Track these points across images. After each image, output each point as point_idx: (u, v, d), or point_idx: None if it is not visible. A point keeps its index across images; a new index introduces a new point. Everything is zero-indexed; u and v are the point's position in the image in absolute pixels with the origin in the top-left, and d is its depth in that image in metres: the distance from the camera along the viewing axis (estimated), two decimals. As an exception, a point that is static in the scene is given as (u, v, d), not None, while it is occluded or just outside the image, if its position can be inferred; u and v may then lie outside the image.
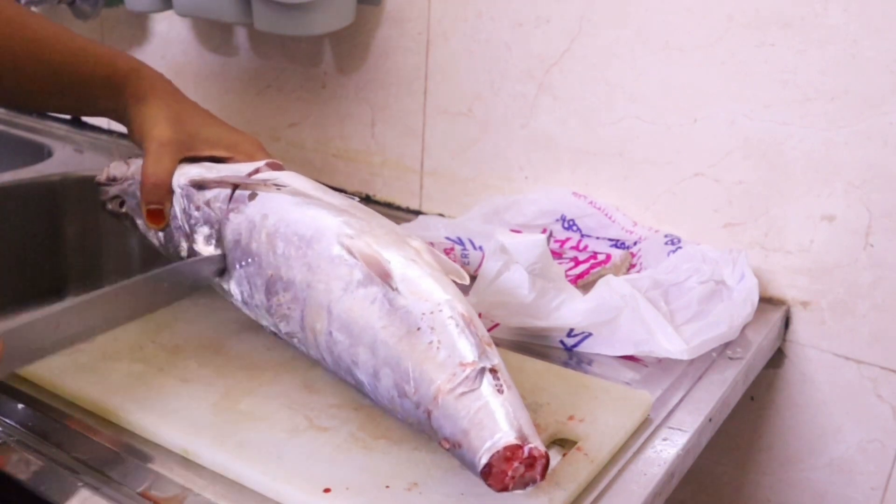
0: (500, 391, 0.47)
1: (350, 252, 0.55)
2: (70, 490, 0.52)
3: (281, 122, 1.13)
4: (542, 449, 0.46)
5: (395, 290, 0.53)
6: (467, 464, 0.47)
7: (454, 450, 0.47)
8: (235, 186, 0.65)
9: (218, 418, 0.57)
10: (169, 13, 1.10)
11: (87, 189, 1.05)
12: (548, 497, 0.50)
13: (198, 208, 0.66)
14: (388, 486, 0.50)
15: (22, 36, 0.70)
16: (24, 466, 0.55)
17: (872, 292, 0.78)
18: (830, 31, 0.74)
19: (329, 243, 0.57)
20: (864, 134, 0.75)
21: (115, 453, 0.55)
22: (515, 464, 0.45)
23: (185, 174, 0.68)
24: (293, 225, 0.59)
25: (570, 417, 0.58)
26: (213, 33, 1.16)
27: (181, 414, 0.57)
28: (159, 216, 0.68)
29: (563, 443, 0.57)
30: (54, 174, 1.09)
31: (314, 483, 0.50)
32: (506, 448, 0.45)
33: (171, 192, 0.68)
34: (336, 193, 0.65)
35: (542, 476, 0.46)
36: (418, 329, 0.51)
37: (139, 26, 1.23)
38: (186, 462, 0.54)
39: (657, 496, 0.55)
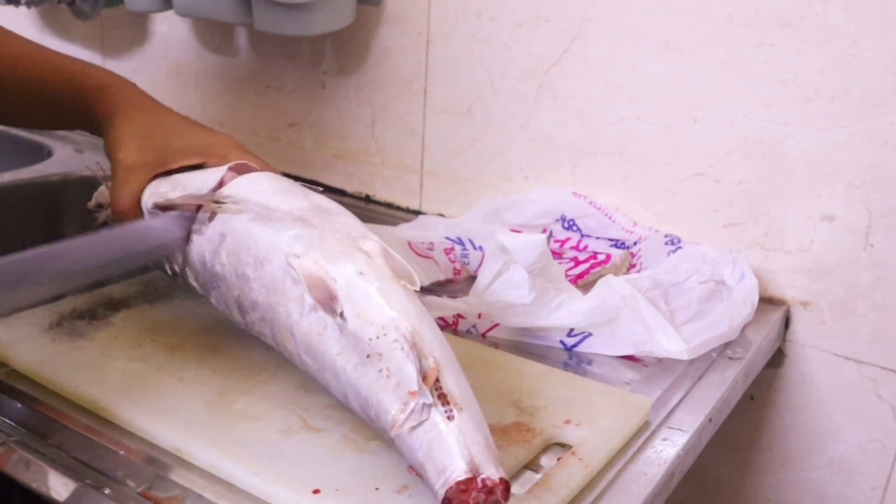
0: (451, 417, 0.47)
1: (297, 273, 0.54)
2: (70, 490, 0.52)
3: (281, 122, 1.13)
4: (497, 476, 0.45)
5: (340, 316, 0.52)
6: (432, 494, 0.47)
7: (420, 477, 0.48)
8: (198, 207, 0.64)
9: (212, 417, 0.57)
10: (169, 13, 1.10)
11: (87, 189, 1.06)
12: (539, 501, 0.49)
13: None
14: (377, 489, 0.50)
15: None
16: (23, 466, 0.55)
17: (872, 292, 0.78)
18: (830, 31, 0.74)
19: (279, 264, 0.56)
20: (864, 134, 0.75)
21: (116, 453, 0.55)
22: (473, 494, 0.45)
23: (153, 194, 0.67)
24: (247, 246, 0.59)
25: (567, 421, 0.58)
26: (213, 33, 1.16)
27: (175, 412, 0.57)
28: None
29: (559, 447, 0.57)
30: (54, 174, 1.10)
31: (304, 484, 0.50)
32: (458, 484, 0.45)
33: (140, 215, 0.67)
34: (301, 191, 0.63)
35: (505, 498, 0.45)
36: (367, 356, 0.50)
37: (139, 26, 1.23)
38: (187, 462, 0.54)
39: (657, 496, 0.55)
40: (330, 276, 0.53)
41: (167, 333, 0.68)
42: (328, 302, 0.52)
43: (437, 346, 0.50)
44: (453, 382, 0.49)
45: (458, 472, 0.45)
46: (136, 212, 0.67)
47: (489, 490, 0.45)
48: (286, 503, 0.49)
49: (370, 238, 0.57)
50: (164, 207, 0.65)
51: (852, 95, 0.75)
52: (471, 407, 0.48)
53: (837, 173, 0.77)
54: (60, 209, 1.07)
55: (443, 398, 0.47)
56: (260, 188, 0.64)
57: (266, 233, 0.58)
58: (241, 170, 0.66)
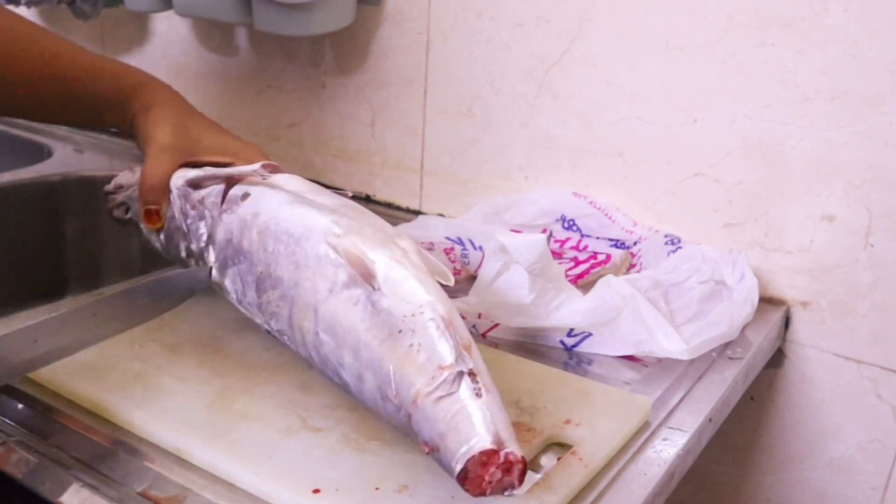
0: (479, 395, 0.47)
1: (336, 251, 0.56)
2: (70, 490, 0.52)
3: (281, 122, 1.13)
4: (519, 454, 0.45)
5: (377, 290, 0.53)
6: (445, 468, 0.46)
7: (433, 454, 0.47)
8: (229, 185, 0.65)
9: (212, 417, 0.57)
10: (169, 13, 1.10)
11: (87, 189, 1.06)
12: (539, 501, 0.49)
13: (193, 207, 0.67)
14: (377, 488, 0.50)
15: (34, 51, 0.72)
16: (23, 466, 0.55)
17: (872, 292, 0.78)
18: (830, 31, 0.74)
19: (317, 242, 0.57)
20: (864, 134, 0.75)
21: (115, 453, 0.55)
22: (492, 469, 0.45)
23: (182, 176, 0.69)
24: (283, 223, 0.60)
25: (567, 421, 0.58)
26: (213, 33, 1.16)
27: (175, 413, 0.57)
28: (156, 216, 0.70)
29: (559, 447, 0.57)
30: (54, 174, 1.09)
31: (304, 483, 0.50)
32: (481, 453, 0.44)
33: (167, 193, 0.69)
34: (330, 193, 0.65)
35: (520, 481, 0.45)
36: (399, 332, 0.50)
37: (139, 26, 1.23)
38: (186, 462, 0.54)
39: (657, 496, 0.55)
40: (368, 257, 0.55)
41: (167, 333, 0.68)
42: (366, 277, 0.53)
43: (468, 336, 0.51)
44: (481, 364, 0.49)
45: (484, 442, 0.45)
46: (165, 191, 0.69)
47: (508, 467, 0.45)
48: (286, 503, 0.49)
49: (404, 237, 0.58)
50: (195, 183, 0.67)
51: (852, 95, 0.75)
52: (495, 393, 0.48)
53: (837, 173, 0.77)
54: (60, 209, 1.07)
55: (472, 376, 0.48)
56: (293, 182, 0.66)
57: (305, 212, 0.60)
58: (273, 170, 0.68)
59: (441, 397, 0.47)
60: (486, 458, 0.44)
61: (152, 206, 0.69)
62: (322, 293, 0.55)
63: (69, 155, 1.19)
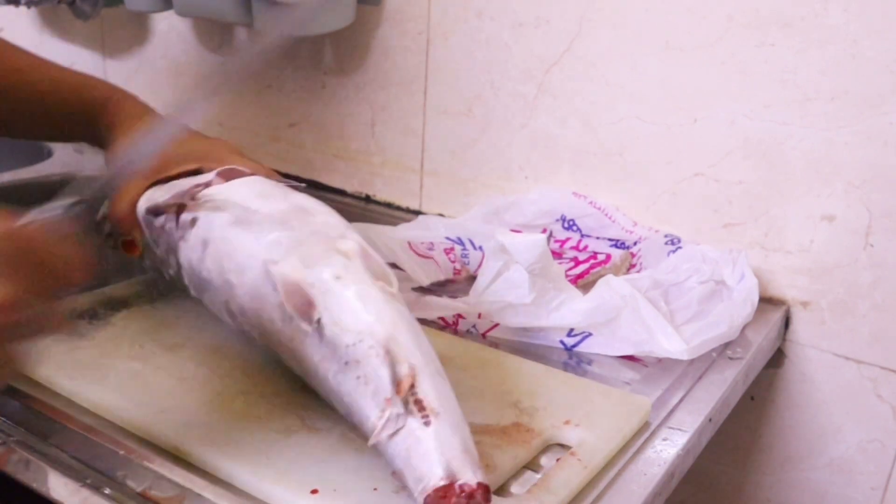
0: (427, 424, 0.46)
1: (275, 285, 0.54)
2: (70, 490, 0.52)
3: (281, 122, 1.13)
4: (473, 482, 0.45)
5: (318, 323, 0.52)
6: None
7: (402, 484, 0.48)
8: (179, 211, 0.64)
9: (211, 417, 0.57)
10: (169, 13, 1.10)
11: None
12: (538, 502, 0.49)
13: (158, 235, 0.66)
14: (375, 489, 0.49)
15: (3, 66, 0.72)
16: (23, 466, 0.55)
17: (872, 292, 0.78)
18: (830, 31, 0.74)
19: (258, 273, 0.57)
20: (864, 134, 0.75)
21: (115, 453, 0.55)
22: (453, 500, 0.44)
23: (147, 200, 0.67)
24: (228, 254, 0.59)
25: (567, 422, 0.58)
26: (213, 33, 1.16)
27: (174, 412, 0.57)
28: (131, 246, 0.70)
29: (559, 447, 0.57)
30: (54, 174, 1.09)
31: (302, 484, 0.50)
32: (435, 490, 0.44)
33: (135, 223, 0.67)
34: (280, 192, 0.64)
35: (486, 500, 0.45)
36: (346, 363, 0.51)
37: (139, 26, 1.23)
38: (186, 462, 0.54)
39: (657, 496, 0.55)
40: (307, 281, 0.54)
41: (167, 333, 0.68)
42: (305, 309, 0.53)
43: (415, 350, 0.50)
44: (430, 386, 0.48)
45: (435, 480, 0.45)
46: (132, 219, 0.67)
47: (468, 495, 0.44)
48: (284, 503, 0.49)
49: (348, 238, 0.57)
50: (153, 212, 0.65)
51: (852, 95, 0.75)
52: (449, 411, 0.48)
53: (837, 173, 0.77)
54: (60, 209, 1.07)
55: (419, 404, 0.47)
56: (242, 192, 0.64)
57: (245, 239, 0.59)
58: (229, 175, 0.66)
59: (391, 435, 0.47)
60: (441, 493, 0.45)
61: (125, 237, 0.69)
62: (277, 323, 0.55)
63: (69, 155, 1.19)
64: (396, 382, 0.48)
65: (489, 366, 0.65)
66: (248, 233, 0.59)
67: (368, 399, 0.48)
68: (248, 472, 0.51)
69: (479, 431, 0.56)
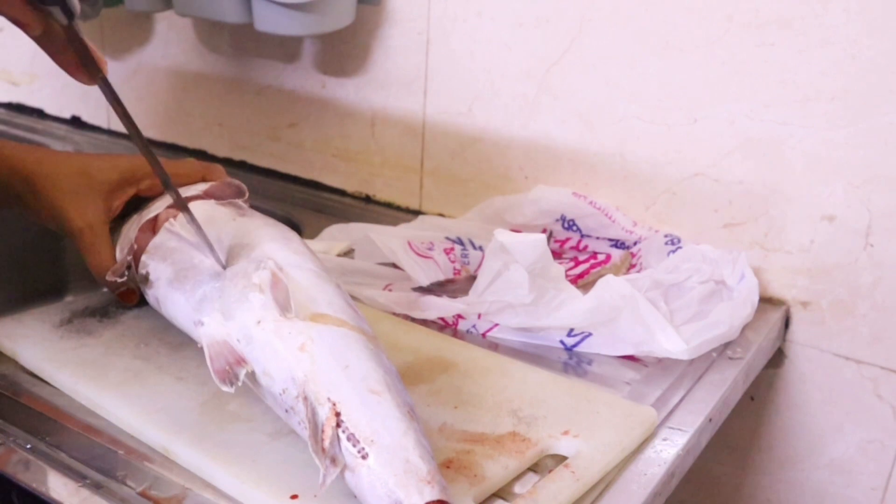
0: (364, 456, 0.46)
1: (205, 351, 0.54)
2: (70, 490, 0.52)
3: (281, 122, 1.13)
4: (421, 503, 0.44)
5: (253, 377, 0.52)
6: None
7: None
8: (135, 261, 0.64)
9: (203, 418, 0.57)
10: (169, 13, 1.10)
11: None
12: None
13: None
14: (356, 497, 0.48)
15: None
16: (23, 466, 0.55)
17: (872, 292, 0.78)
18: (830, 31, 0.74)
19: (194, 336, 0.58)
20: (864, 134, 0.75)
21: (115, 453, 0.55)
22: None
23: (119, 250, 0.67)
24: (172, 315, 0.62)
25: (565, 432, 0.56)
26: (213, 33, 1.16)
27: (168, 412, 0.57)
28: (130, 296, 0.69)
29: (555, 458, 0.55)
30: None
31: (283, 488, 0.50)
32: None
33: (122, 268, 0.65)
34: (214, 230, 0.62)
35: None
36: (286, 411, 0.51)
37: (139, 26, 1.23)
38: (187, 462, 0.54)
39: (657, 496, 0.55)
40: (232, 337, 0.53)
41: (174, 333, 0.67)
42: (238, 365, 0.52)
43: (336, 378, 0.49)
44: (359, 415, 0.48)
45: None
46: (116, 270, 0.65)
47: None
48: None
49: (262, 266, 0.55)
50: (117, 275, 0.65)
51: (852, 95, 0.75)
52: (386, 430, 0.47)
53: (837, 173, 0.77)
54: (60, 209, 1.07)
55: (351, 438, 0.47)
56: (186, 232, 0.63)
57: (179, 299, 0.60)
58: (180, 206, 0.63)
59: (342, 472, 0.47)
60: None
61: (120, 290, 0.68)
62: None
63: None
64: (322, 430, 0.47)
65: (493, 373, 0.64)
66: (180, 292, 0.60)
67: (310, 443, 0.48)
68: (231, 474, 0.51)
69: (474, 440, 0.55)
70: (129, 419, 0.57)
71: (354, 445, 0.46)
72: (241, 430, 0.55)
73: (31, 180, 0.66)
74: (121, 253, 0.66)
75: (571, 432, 0.56)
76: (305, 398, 0.49)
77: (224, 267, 0.59)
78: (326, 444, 0.47)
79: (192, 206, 0.63)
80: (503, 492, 0.52)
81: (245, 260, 0.58)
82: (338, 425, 0.47)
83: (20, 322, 0.68)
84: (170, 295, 0.61)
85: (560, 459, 0.55)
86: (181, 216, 0.63)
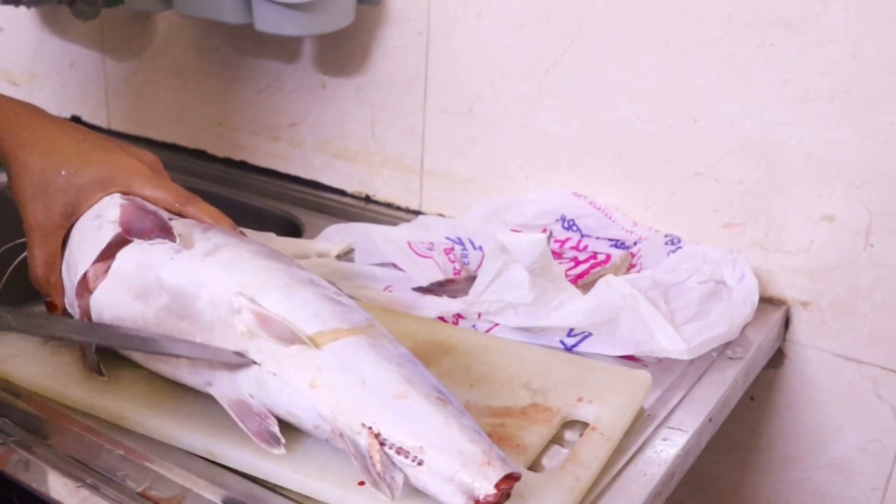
0: (420, 463, 0.47)
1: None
2: (70, 490, 0.52)
3: (281, 122, 1.13)
4: (490, 490, 0.45)
5: (282, 421, 0.53)
6: None
7: None
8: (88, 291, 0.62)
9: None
10: (169, 13, 1.10)
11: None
12: (574, 476, 0.51)
13: None
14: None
15: None
16: (23, 466, 0.55)
17: (872, 292, 0.78)
18: (830, 31, 0.74)
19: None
20: (864, 134, 0.75)
21: (115, 453, 0.55)
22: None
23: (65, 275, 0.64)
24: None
25: (580, 399, 0.60)
26: (213, 33, 1.16)
27: (199, 417, 0.56)
28: (52, 307, 0.65)
29: (575, 424, 0.59)
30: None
31: (347, 477, 0.50)
32: None
33: (60, 284, 0.63)
34: (161, 258, 0.58)
35: (516, 478, 0.46)
36: (327, 440, 0.52)
37: (139, 26, 1.23)
38: (186, 462, 0.54)
39: (657, 496, 0.55)
40: (244, 392, 0.53)
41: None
42: (266, 423, 0.52)
43: (365, 401, 0.49)
44: (400, 428, 0.48)
45: None
46: (56, 279, 0.64)
47: (499, 495, 0.45)
48: (330, 497, 0.50)
49: (243, 308, 0.53)
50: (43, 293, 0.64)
51: (852, 95, 0.75)
52: (432, 431, 0.47)
53: (837, 173, 0.77)
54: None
55: (401, 451, 0.47)
56: (117, 298, 0.59)
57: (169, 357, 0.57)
58: (130, 227, 0.60)
59: (406, 482, 0.47)
60: None
61: (46, 298, 0.65)
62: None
63: None
64: (370, 457, 0.47)
65: (491, 352, 0.67)
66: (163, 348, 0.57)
67: (365, 476, 0.48)
68: (290, 469, 0.51)
69: (502, 414, 0.58)
70: (161, 429, 0.56)
71: (406, 457, 0.47)
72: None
73: (7, 161, 0.64)
74: (67, 277, 0.63)
75: (585, 399, 0.60)
76: (341, 434, 0.49)
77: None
78: (379, 468, 0.47)
79: (121, 254, 0.60)
80: (541, 456, 0.56)
81: (206, 302, 0.55)
82: (382, 444, 0.47)
83: (2, 341, 0.65)
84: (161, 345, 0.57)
85: (580, 424, 0.59)
86: (112, 268, 0.60)
